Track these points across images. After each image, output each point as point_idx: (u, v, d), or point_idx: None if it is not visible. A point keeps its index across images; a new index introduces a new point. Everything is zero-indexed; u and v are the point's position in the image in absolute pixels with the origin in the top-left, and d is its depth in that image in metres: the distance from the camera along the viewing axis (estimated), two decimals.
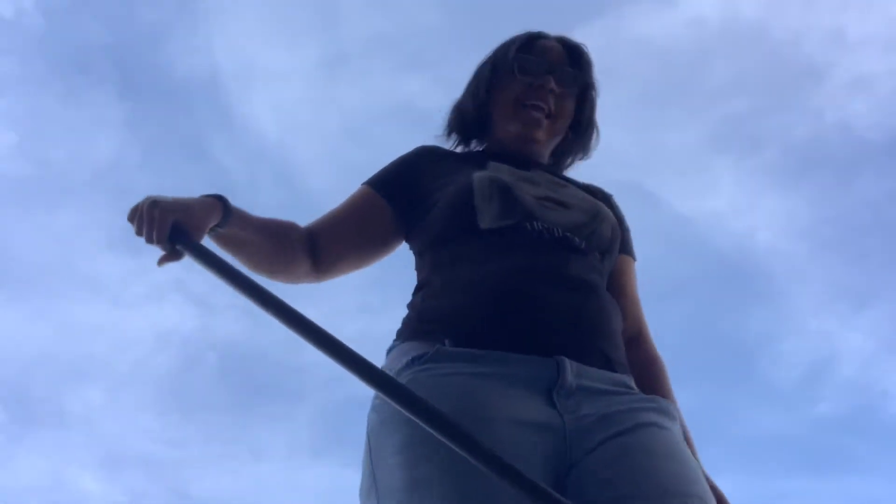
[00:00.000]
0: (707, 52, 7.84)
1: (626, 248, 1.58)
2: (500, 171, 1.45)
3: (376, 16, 7.96)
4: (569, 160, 1.69)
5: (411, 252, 1.54)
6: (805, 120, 7.71)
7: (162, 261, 1.26)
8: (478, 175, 1.42)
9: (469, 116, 1.62)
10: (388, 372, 1.22)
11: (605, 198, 1.62)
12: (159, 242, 1.23)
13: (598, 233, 1.42)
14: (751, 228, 8.02)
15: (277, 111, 8.50)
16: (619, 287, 1.50)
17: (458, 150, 1.67)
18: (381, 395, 1.13)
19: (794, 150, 7.69)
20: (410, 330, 1.34)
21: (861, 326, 7.52)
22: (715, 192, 8.17)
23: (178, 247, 1.23)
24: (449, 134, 1.66)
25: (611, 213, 1.49)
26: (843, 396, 7.37)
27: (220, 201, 1.33)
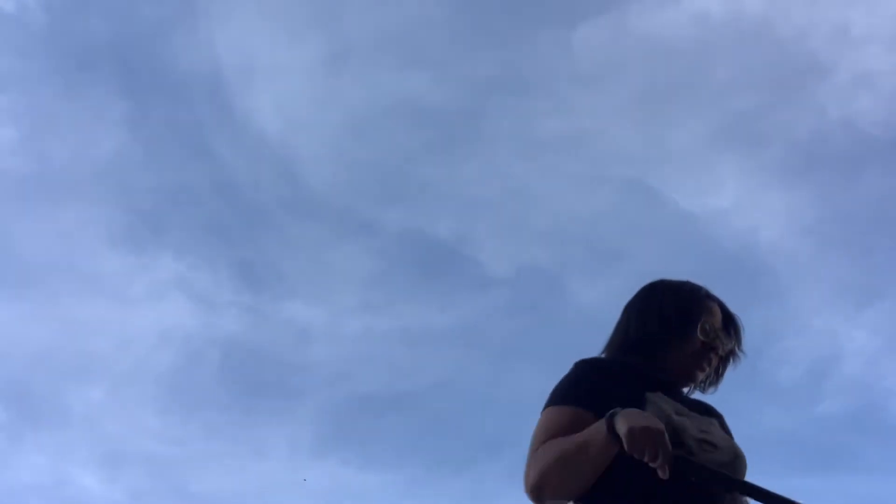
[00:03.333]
0: (711, 48, 7.83)
1: None
2: (665, 404, 1.70)
3: (379, 12, 7.96)
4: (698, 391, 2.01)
5: None
6: (809, 117, 7.70)
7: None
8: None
9: (636, 342, 1.90)
10: None
11: (721, 421, 1.87)
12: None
13: (739, 472, 1.69)
14: (754, 226, 8.01)
15: (280, 108, 8.51)
16: None
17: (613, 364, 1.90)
18: None
19: (798, 147, 7.69)
20: None
21: (865, 324, 7.52)
22: (719, 189, 8.16)
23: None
24: (611, 350, 1.92)
25: (742, 451, 1.75)
26: (846, 395, 7.36)
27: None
